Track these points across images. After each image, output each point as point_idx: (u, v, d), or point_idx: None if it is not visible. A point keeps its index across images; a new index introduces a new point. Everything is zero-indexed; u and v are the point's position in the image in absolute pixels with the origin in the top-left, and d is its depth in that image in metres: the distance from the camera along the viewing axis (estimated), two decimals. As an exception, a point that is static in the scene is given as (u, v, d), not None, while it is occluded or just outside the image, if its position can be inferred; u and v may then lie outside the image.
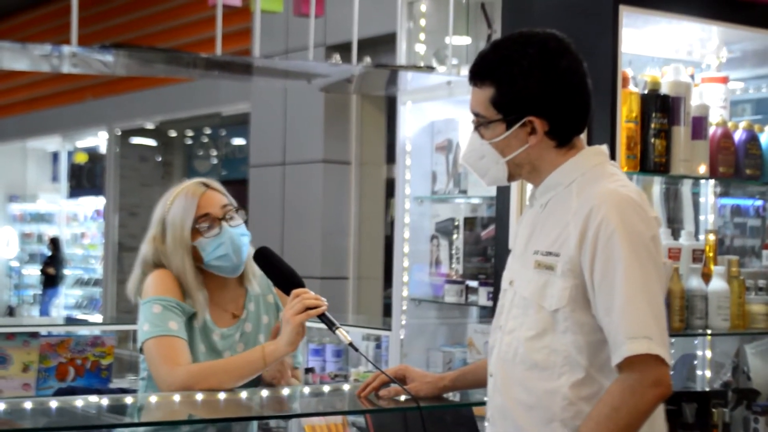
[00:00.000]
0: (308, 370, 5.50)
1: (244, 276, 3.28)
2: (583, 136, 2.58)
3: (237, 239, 3.18)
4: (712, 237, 3.92)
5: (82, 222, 16.95)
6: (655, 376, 2.34)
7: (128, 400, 2.93)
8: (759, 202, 4.63)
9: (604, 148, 2.61)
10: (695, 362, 4.25)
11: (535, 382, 2.46)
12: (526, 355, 2.47)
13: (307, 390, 3.17)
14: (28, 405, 2.76)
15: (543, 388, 2.44)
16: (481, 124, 2.54)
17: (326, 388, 3.20)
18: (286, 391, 3.08)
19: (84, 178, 16.65)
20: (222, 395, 2.93)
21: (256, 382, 3.15)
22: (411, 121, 5.06)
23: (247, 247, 3.22)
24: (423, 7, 5.11)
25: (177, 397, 2.89)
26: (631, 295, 2.33)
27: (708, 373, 4.21)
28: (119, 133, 14.56)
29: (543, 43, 2.49)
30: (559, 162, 2.52)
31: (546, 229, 2.50)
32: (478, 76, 2.53)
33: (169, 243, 3.16)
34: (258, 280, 3.32)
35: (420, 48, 5.08)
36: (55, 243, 16.49)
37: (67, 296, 16.69)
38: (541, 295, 2.46)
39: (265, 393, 3.04)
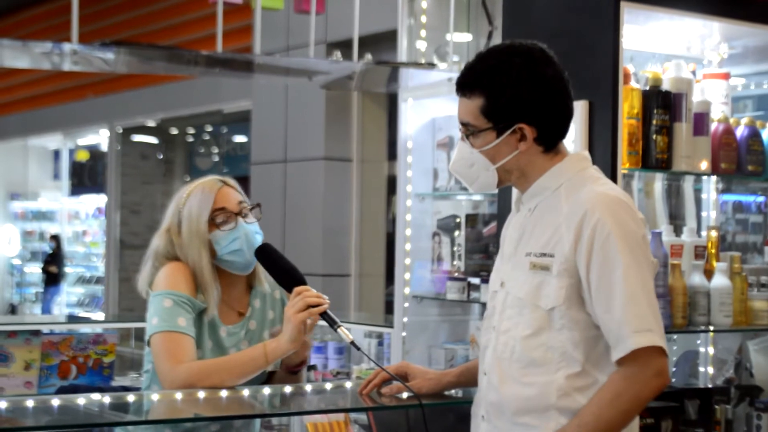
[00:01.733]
0: (310, 368, 5.50)
1: (255, 275, 3.27)
2: (566, 141, 2.64)
3: (252, 236, 3.18)
4: (714, 233, 3.92)
5: (83, 220, 16.97)
6: (657, 366, 2.44)
7: (130, 397, 2.93)
8: (761, 198, 4.62)
9: (587, 153, 2.73)
10: (698, 359, 4.24)
11: (531, 377, 2.54)
12: (523, 353, 2.55)
13: (309, 387, 3.17)
14: (30, 403, 2.76)
15: (539, 381, 2.53)
16: (470, 133, 2.62)
17: (328, 386, 3.20)
18: (288, 389, 3.08)
19: (85, 176, 16.67)
20: (224, 393, 2.93)
21: (257, 380, 3.15)
22: (412, 118, 5.06)
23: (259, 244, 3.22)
24: (424, 4, 5.10)
25: (179, 395, 2.89)
26: (632, 291, 2.43)
27: (710, 370, 4.20)
28: (120, 131, 14.58)
29: (528, 52, 2.59)
30: (547, 167, 2.61)
31: (537, 231, 2.58)
32: (466, 86, 2.62)
33: (185, 235, 3.15)
34: (267, 277, 3.31)
35: (421, 45, 5.08)
36: (55, 240, 16.51)
37: (69, 294, 16.71)
38: (536, 295, 2.54)
39: (267, 391, 3.04)
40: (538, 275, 2.54)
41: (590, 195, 2.50)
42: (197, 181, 3.25)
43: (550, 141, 2.60)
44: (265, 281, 3.29)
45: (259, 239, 3.20)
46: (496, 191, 4.27)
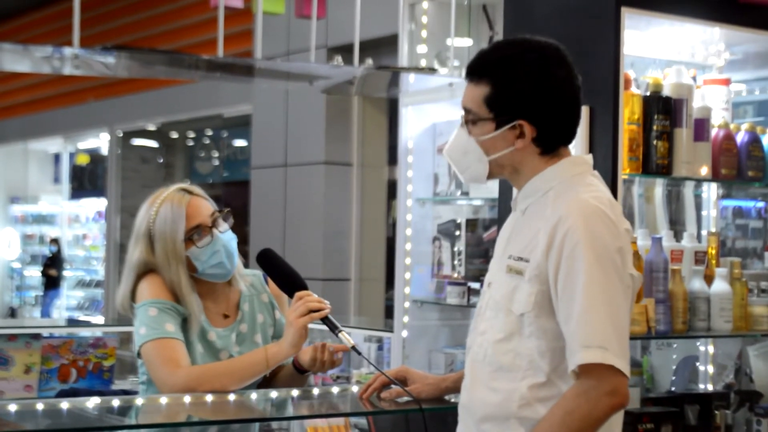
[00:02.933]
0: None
1: (231, 277, 3.27)
2: (572, 148, 2.59)
3: (229, 245, 3.18)
4: (714, 239, 3.92)
5: (83, 223, 16.95)
6: (611, 385, 2.35)
7: (130, 401, 2.93)
8: (761, 204, 4.63)
9: (588, 158, 2.64)
10: (698, 364, 4.24)
11: (498, 382, 2.50)
12: (494, 357, 2.52)
13: (309, 391, 3.17)
14: (30, 407, 2.76)
15: (505, 387, 2.49)
16: (470, 120, 2.57)
17: (328, 390, 3.19)
18: (288, 393, 3.08)
19: (85, 180, 16.66)
20: (224, 397, 2.93)
21: (258, 384, 3.15)
22: (413, 122, 5.06)
23: (236, 251, 3.22)
24: (425, 9, 5.11)
25: (178, 399, 2.89)
26: (590, 304, 2.36)
27: (710, 375, 4.20)
28: (121, 135, 14.57)
29: (543, 50, 2.53)
30: (541, 168, 2.55)
31: (521, 234, 2.54)
32: (475, 72, 2.56)
33: (159, 255, 3.13)
34: (251, 280, 3.31)
35: (422, 49, 5.08)
36: (56, 244, 16.50)
37: (68, 297, 16.70)
38: (510, 299, 2.50)
39: (267, 395, 3.04)
40: (513, 279, 2.49)
41: (570, 201, 2.44)
42: (161, 194, 3.19)
43: (550, 144, 2.53)
44: (242, 281, 3.28)
45: (234, 245, 3.20)
46: (495, 194, 4.27)
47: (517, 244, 2.53)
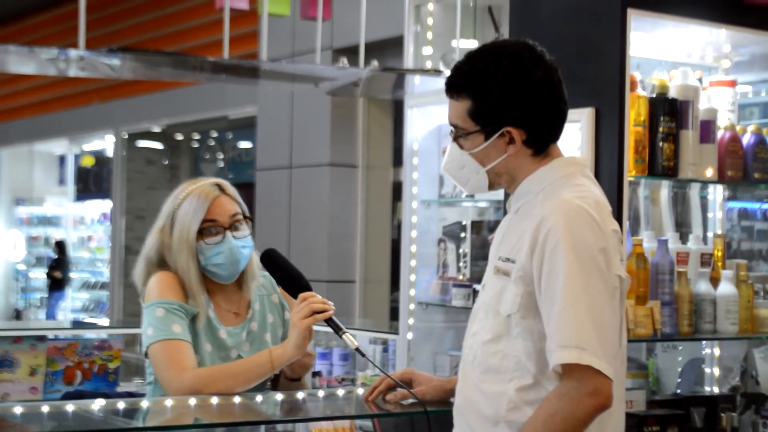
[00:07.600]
0: (315, 374, 5.49)
1: (241, 280, 3.27)
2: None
3: (236, 252, 3.18)
4: (720, 241, 3.91)
5: (89, 225, 16.96)
6: (592, 385, 2.33)
7: (135, 403, 2.93)
8: (767, 206, 4.62)
9: (581, 159, 2.65)
10: (704, 366, 4.23)
11: (487, 384, 2.50)
12: (483, 358, 2.52)
13: (314, 394, 3.16)
14: (35, 409, 2.76)
15: (493, 390, 2.48)
16: (459, 135, 2.60)
17: (333, 392, 3.19)
18: (293, 395, 3.08)
19: (91, 182, 16.67)
20: (229, 399, 2.93)
21: (262, 386, 3.15)
22: (418, 124, 5.06)
23: (247, 258, 3.22)
24: (430, 10, 5.11)
25: (184, 401, 2.89)
26: (569, 303, 2.34)
27: (716, 378, 4.19)
28: (126, 137, 14.58)
29: (517, 53, 2.51)
30: (533, 170, 2.55)
31: (511, 235, 2.55)
32: (454, 88, 2.57)
33: (175, 238, 3.16)
34: (261, 281, 3.32)
35: (427, 51, 5.08)
36: (60, 246, 16.51)
37: (74, 299, 16.71)
38: (498, 300, 2.50)
39: (272, 397, 3.04)
40: (501, 280, 2.50)
41: (554, 202, 2.44)
42: (196, 183, 3.23)
43: (540, 144, 2.53)
44: (252, 285, 3.28)
45: (246, 253, 3.21)
46: (500, 197, 4.27)
47: (506, 245, 2.54)
